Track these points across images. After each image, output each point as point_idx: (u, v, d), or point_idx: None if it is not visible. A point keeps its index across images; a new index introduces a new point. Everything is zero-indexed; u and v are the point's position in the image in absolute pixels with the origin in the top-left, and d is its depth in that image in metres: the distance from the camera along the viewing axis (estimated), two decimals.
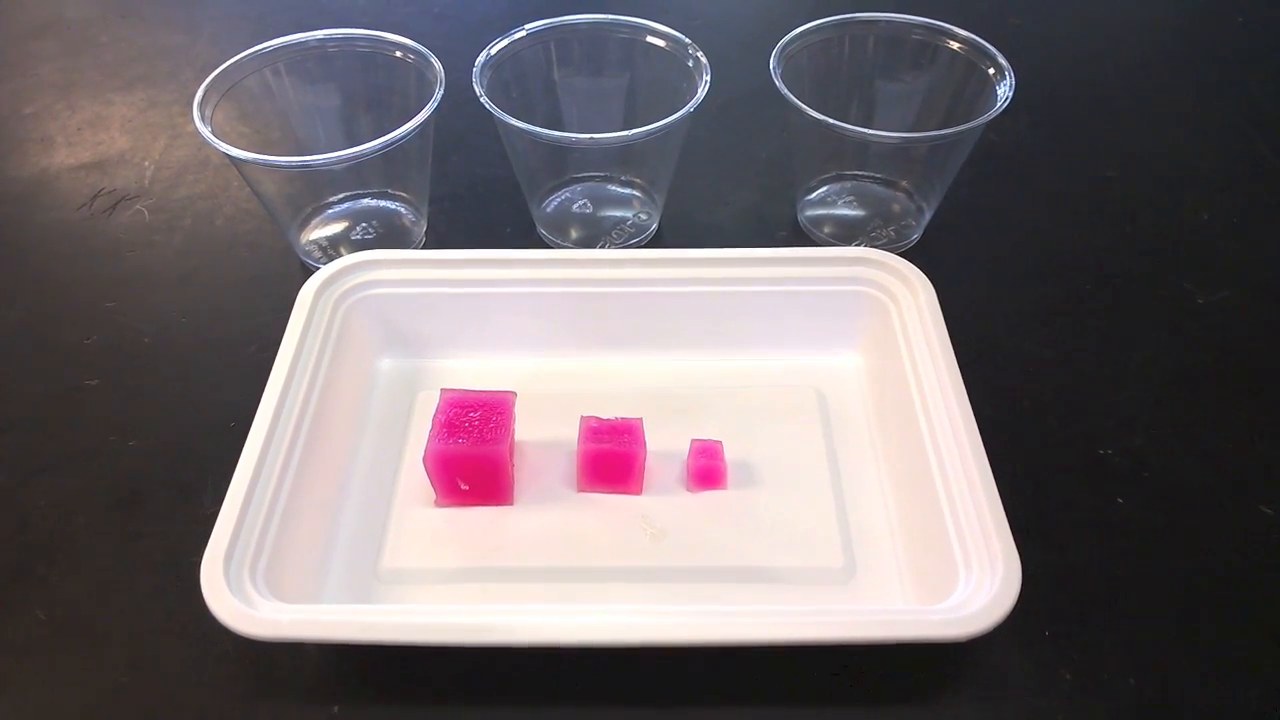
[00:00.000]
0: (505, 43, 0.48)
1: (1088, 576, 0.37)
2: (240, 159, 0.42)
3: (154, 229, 0.52)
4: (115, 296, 0.48)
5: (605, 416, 0.39)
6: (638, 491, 0.39)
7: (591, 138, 0.44)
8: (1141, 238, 0.51)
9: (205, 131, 0.43)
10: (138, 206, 0.54)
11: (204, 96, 0.44)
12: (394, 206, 0.51)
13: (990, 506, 0.33)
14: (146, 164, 0.56)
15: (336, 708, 0.34)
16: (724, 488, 0.39)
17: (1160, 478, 0.40)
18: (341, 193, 0.51)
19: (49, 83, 0.63)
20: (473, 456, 0.37)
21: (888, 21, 0.49)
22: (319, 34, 0.48)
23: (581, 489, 0.39)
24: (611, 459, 0.38)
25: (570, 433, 0.39)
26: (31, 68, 0.64)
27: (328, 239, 0.50)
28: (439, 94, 0.45)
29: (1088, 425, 0.42)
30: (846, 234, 0.51)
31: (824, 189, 0.52)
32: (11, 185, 0.55)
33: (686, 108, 0.44)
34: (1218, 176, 0.55)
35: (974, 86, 0.47)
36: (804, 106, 0.44)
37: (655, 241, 0.51)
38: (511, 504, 0.38)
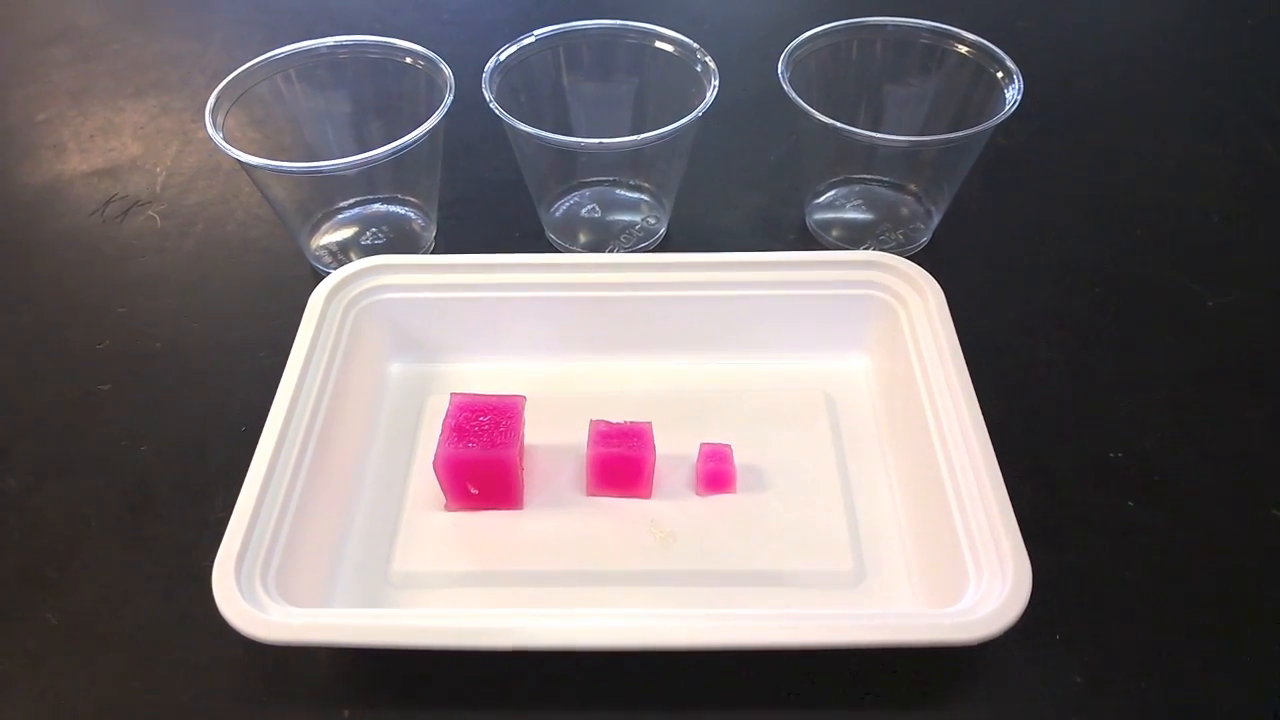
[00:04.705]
0: (514, 48, 0.48)
1: (1098, 579, 0.37)
2: (252, 165, 0.42)
3: (166, 235, 0.53)
4: (127, 302, 0.49)
5: (614, 420, 0.39)
6: (647, 495, 0.39)
7: (600, 142, 0.44)
8: (1151, 240, 0.51)
9: (217, 138, 0.43)
10: (149, 212, 0.54)
11: (216, 103, 0.45)
12: (404, 212, 0.52)
13: (1000, 509, 0.33)
14: (158, 170, 0.57)
15: (347, 711, 0.34)
16: (733, 491, 0.39)
17: (1170, 481, 0.40)
18: (352, 198, 0.51)
19: (61, 90, 0.63)
20: (482, 461, 0.37)
21: (895, 25, 0.49)
22: (330, 40, 0.49)
23: (591, 493, 0.39)
24: (621, 463, 0.38)
25: (580, 437, 0.39)
26: (44, 75, 0.65)
27: (338, 244, 0.50)
28: (449, 100, 0.45)
29: (1097, 428, 0.42)
30: (855, 237, 0.51)
31: (832, 192, 0.52)
32: (24, 192, 0.56)
33: (695, 112, 0.44)
34: (1227, 179, 0.55)
35: (982, 90, 0.47)
36: (812, 110, 0.44)
37: (664, 245, 0.51)
38: (521, 508, 0.39)
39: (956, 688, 0.34)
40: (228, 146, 0.43)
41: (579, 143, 0.44)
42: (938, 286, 0.41)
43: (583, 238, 0.51)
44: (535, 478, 0.39)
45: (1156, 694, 0.34)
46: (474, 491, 0.38)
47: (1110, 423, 0.42)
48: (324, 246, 0.50)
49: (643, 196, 0.52)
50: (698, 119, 0.44)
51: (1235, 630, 0.35)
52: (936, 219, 0.50)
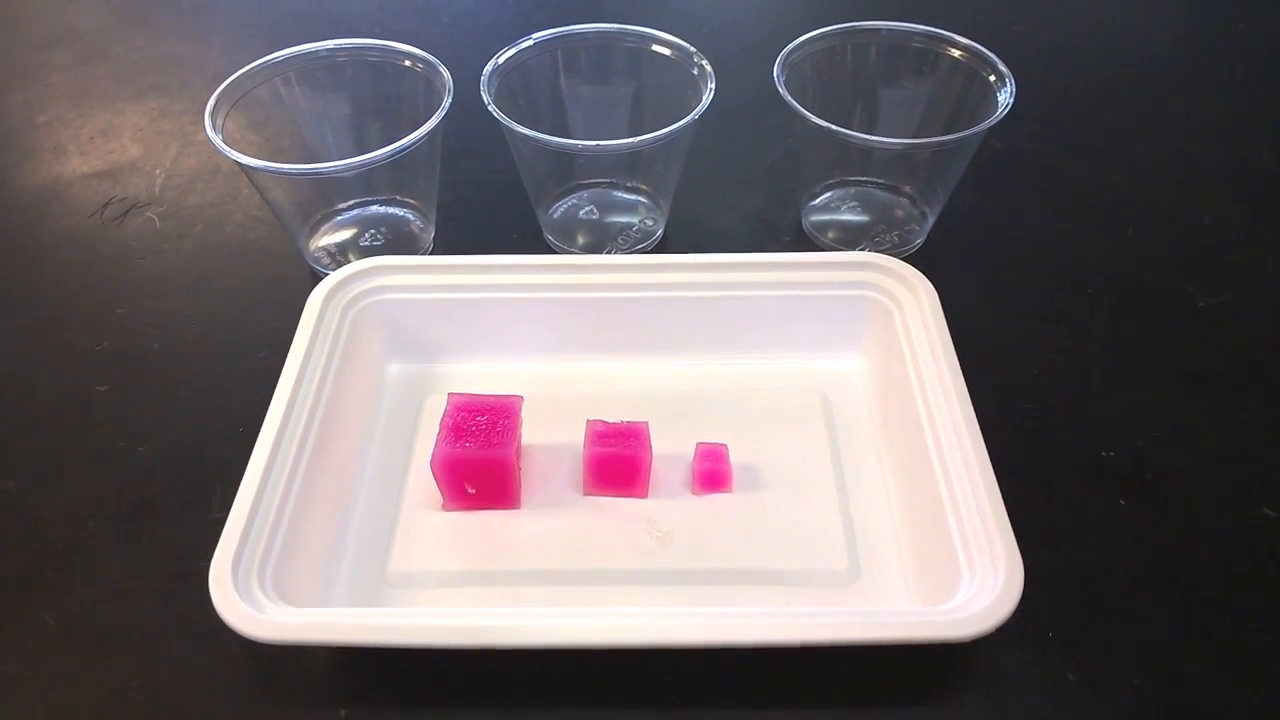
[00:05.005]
0: (513, 51, 0.48)
1: (1091, 578, 0.37)
2: (251, 167, 0.43)
3: (165, 236, 0.53)
4: (126, 303, 0.49)
5: (611, 420, 0.39)
6: (643, 495, 0.39)
7: (598, 145, 0.44)
8: (1143, 241, 0.51)
9: (217, 140, 0.43)
10: (149, 214, 0.54)
11: (216, 105, 0.45)
12: (402, 213, 0.52)
13: (993, 508, 0.33)
14: (158, 172, 0.57)
15: (344, 711, 0.34)
16: (729, 491, 0.39)
17: (1162, 480, 0.40)
18: (350, 200, 0.51)
19: (61, 92, 0.64)
20: (479, 460, 0.37)
21: (889, 30, 0.49)
22: (329, 44, 0.49)
23: (588, 492, 0.39)
24: (617, 462, 0.38)
25: (576, 436, 0.39)
26: (44, 77, 0.65)
27: (336, 245, 0.51)
28: (447, 102, 0.45)
29: (1090, 428, 0.42)
30: (850, 239, 0.51)
31: (828, 194, 0.52)
32: (24, 193, 0.56)
33: (692, 115, 0.44)
34: (1218, 180, 0.55)
35: (976, 93, 0.47)
36: (808, 113, 0.44)
37: (661, 247, 0.51)
38: (518, 507, 0.39)
39: (950, 686, 0.34)
40: (227, 149, 0.43)
41: (577, 145, 0.45)
42: (932, 287, 0.42)
43: (580, 239, 0.51)
44: (532, 477, 0.40)
45: (1149, 692, 0.34)
46: (471, 491, 0.38)
47: (1103, 422, 0.42)
48: (323, 248, 0.50)
49: (640, 198, 0.52)
50: (695, 122, 0.44)
51: (1228, 629, 0.35)
52: (931, 221, 0.50)
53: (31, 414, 0.44)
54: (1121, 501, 0.39)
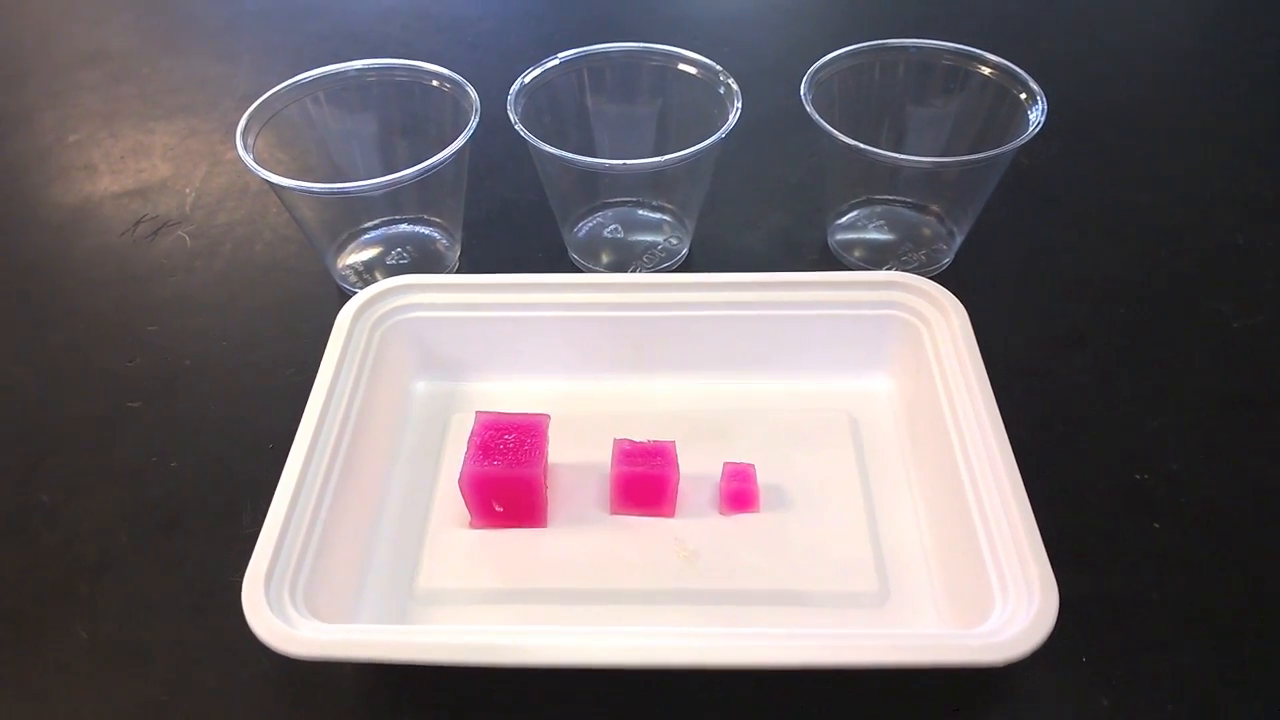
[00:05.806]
0: (539, 71, 0.48)
1: (1125, 602, 0.37)
2: (281, 186, 0.43)
3: (195, 254, 0.53)
4: (157, 320, 0.49)
5: (638, 439, 0.39)
6: (670, 514, 0.39)
7: (624, 164, 0.44)
8: (1175, 261, 0.51)
9: (248, 159, 0.44)
10: (179, 232, 0.55)
11: (246, 125, 0.45)
12: (428, 232, 0.52)
13: (1026, 530, 0.33)
14: (188, 191, 0.58)
15: None
16: (756, 511, 0.39)
17: (1197, 502, 0.40)
18: (378, 218, 0.52)
19: (93, 112, 0.65)
20: (507, 478, 0.37)
21: (918, 47, 0.49)
22: (358, 64, 0.49)
23: (614, 511, 0.39)
24: (644, 481, 0.38)
25: (603, 455, 0.39)
26: (76, 97, 0.66)
27: (363, 263, 0.51)
28: (474, 122, 0.46)
29: (1123, 449, 0.42)
30: (877, 258, 0.51)
31: (854, 213, 0.52)
32: (56, 212, 0.57)
33: (717, 135, 0.44)
34: (1251, 199, 0.55)
35: (1005, 111, 0.47)
36: (835, 131, 0.44)
37: (686, 265, 0.51)
38: (545, 526, 0.39)
39: (982, 711, 0.34)
40: (258, 168, 0.43)
41: (602, 164, 0.45)
42: (961, 307, 0.41)
43: (605, 258, 0.51)
44: (559, 496, 0.40)
45: (1184, 717, 0.33)
46: (499, 509, 0.38)
47: (1136, 444, 0.42)
48: (350, 266, 0.51)
49: (665, 217, 0.52)
50: (720, 140, 0.44)
51: (1263, 654, 0.35)
52: (959, 239, 0.50)
53: (64, 429, 0.44)
54: (1155, 524, 0.39)
